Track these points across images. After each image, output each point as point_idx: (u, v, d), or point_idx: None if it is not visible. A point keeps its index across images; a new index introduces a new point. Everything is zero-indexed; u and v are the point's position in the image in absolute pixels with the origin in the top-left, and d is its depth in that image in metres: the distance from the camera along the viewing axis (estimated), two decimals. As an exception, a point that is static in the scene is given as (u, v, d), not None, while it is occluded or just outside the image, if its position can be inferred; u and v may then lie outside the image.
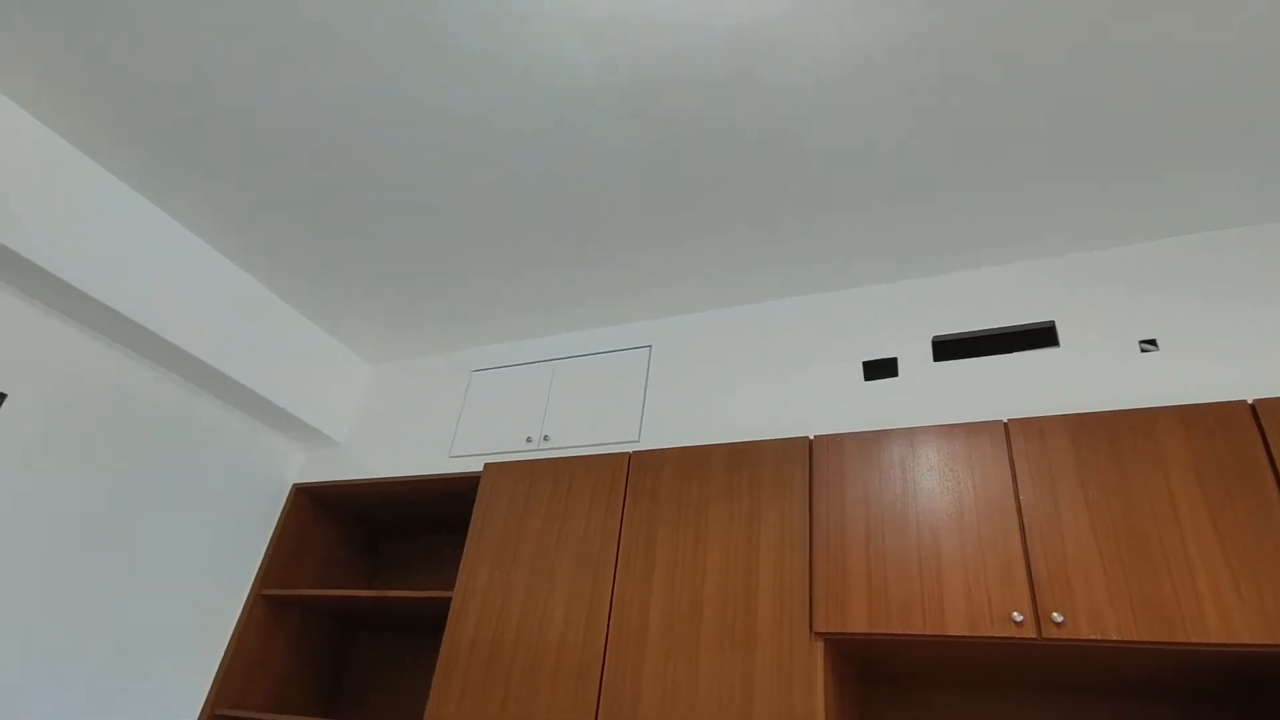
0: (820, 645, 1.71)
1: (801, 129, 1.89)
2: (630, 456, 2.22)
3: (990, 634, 1.56)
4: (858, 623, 1.69)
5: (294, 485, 2.98)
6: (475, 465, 2.64)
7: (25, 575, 2.18)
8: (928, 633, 1.62)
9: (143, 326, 2.38)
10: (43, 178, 2.18)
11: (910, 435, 1.89)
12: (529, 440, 2.60)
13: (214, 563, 2.69)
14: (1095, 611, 1.52)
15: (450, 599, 2.33)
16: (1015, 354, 2.10)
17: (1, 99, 2.11)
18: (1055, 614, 1.52)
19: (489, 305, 2.76)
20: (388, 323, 2.96)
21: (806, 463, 1.97)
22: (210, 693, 2.56)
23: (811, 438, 2.01)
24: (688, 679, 1.78)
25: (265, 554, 2.85)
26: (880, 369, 2.25)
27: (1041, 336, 2.10)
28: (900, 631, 1.64)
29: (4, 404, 2.20)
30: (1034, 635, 1.54)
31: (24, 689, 2.13)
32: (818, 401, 2.27)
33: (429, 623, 2.77)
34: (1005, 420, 1.83)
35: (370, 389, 3.19)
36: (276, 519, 2.93)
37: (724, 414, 2.38)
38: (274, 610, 2.77)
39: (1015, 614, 1.55)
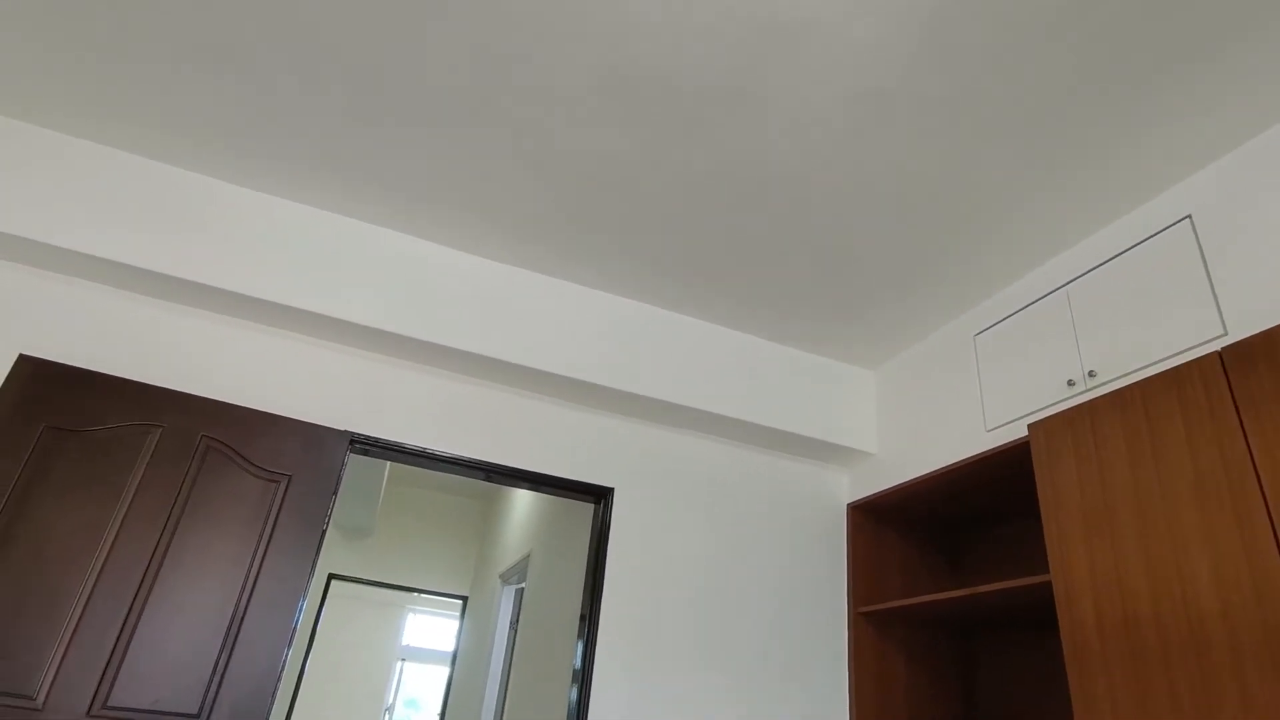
0: None
1: None
2: (1221, 354, 1.65)
3: None
4: None
5: (848, 504, 3.04)
6: (1018, 431, 2.30)
7: (677, 628, 2.65)
8: None
9: (705, 411, 2.83)
10: (647, 336, 2.79)
11: None
12: (1071, 383, 2.16)
13: (811, 590, 2.89)
14: None
15: (1049, 584, 2.01)
16: None
17: (527, 273, 2.81)
18: None
19: (966, 259, 2.45)
20: (871, 325, 2.88)
21: None
22: (851, 714, 2.68)
23: None
24: None
25: (847, 574, 2.93)
26: None
27: None
28: None
29: (615, 495, 2.81)
30: None
31: (697, 710, 2.55)
32: None
33: (1032, 615, 2.44)
34: None
35: (883, 393, 3.11)
36: (844, 540, 3.02)
37: (1358, 246, 1.61)
38: (875, 626, 2.80)
39: None
